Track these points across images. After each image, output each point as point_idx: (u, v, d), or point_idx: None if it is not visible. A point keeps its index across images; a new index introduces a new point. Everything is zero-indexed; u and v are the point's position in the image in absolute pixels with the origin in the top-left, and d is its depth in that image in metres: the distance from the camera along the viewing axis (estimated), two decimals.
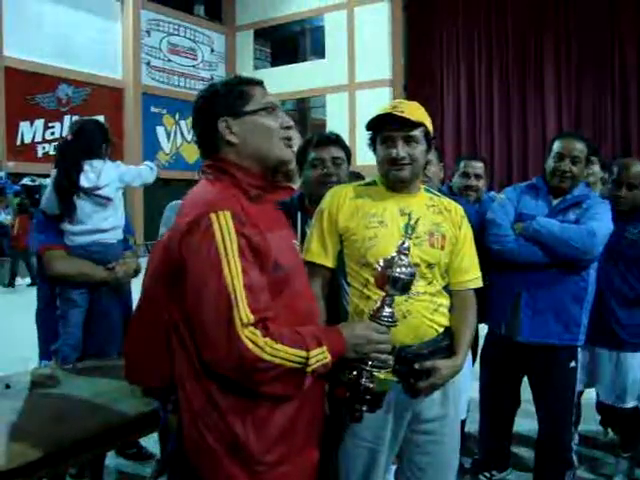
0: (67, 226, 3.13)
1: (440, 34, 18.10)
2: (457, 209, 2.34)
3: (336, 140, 2.96)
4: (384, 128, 2.19)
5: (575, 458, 3.52)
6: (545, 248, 2.99)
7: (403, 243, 1.90)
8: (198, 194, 1.75)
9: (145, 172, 3.44)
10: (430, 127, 2.23)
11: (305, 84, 19.23)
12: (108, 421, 2.31)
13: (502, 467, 3.55)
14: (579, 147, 3.10)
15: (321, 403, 1.88)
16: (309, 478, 1.82)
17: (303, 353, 1.61)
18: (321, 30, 19.98)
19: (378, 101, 17.79)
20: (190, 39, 20.84)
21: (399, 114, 2.13)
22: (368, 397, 1.87)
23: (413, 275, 1.88)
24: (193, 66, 20.91)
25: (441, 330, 2.19)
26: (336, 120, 18.91)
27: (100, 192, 3.12)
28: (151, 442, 3.70)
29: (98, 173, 3.12)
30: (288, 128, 1.85)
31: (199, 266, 1.58)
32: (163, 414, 2.25)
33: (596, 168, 4.02)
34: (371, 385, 1.85)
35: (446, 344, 2.21)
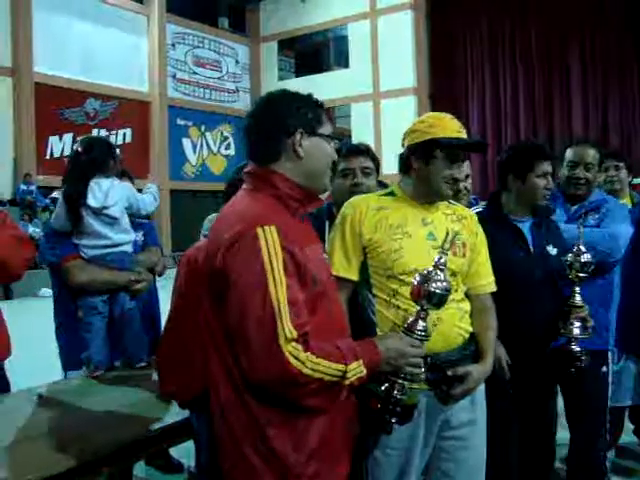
0: (79, 240, 3.17)
1: (464, 41, 18.07)
2: (472, 216, 2.38)
3: (365, 150, 2.99)
4: (449, 147, 2.19)
5: (608, 467, 3.47)
6: None
7: (440, 258, 1.90)
8: (241, 206, 1.75)
9: (148, 200, 3.45)
10: None
11: (329, 94, 19.25)
12: (139, 431, 2.33)
13: None
14: (591, 154, 3.11)
15: (353, 416, 1.88)
16: None
17: (342, 367, 1.63)
18: (345, 40, 20.05)
19: (403, 110, 17.81)
20: (215, 51, 21.04)
21: (466, 139, 2.23)
22: (399, 409, 1.87)
23: (449, 290, 1.89)
24: (218, 78, 21.08)
25: (467, 336, 2.22)
26: (361, 129, 18.94)
27: (108, 212, 3.16)
28: (179, 452, 3.72)
29: (106, 192, 3.15)
30: (334, 164, 1.89)
31: (245, 280, 1.59)
32: (197, 425, 2.27)
33: (622, 174, 3.98)
34: (403, 397, 1.86)
35: (473, 349, 2.24)
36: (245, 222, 1.63)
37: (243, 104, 21.22)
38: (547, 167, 2.74)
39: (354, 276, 2.20)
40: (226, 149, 21.06)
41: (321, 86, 19.33)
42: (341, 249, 2.22)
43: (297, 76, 21.23)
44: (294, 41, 21.35)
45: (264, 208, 1.69)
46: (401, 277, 2.12)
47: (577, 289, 2.64)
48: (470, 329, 2.23)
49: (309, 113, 1.79)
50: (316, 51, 21.12)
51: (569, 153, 3.17)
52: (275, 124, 1.77)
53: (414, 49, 18.41)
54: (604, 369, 3.08)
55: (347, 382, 1.65)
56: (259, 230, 1.60)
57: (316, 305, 1.70)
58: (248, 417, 1.66)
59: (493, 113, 17.70)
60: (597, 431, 3.15)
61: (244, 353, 1.60)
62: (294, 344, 1.57)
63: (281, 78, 21.39)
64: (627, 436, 4.22)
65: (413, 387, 1.91)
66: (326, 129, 1.83)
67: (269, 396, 1.63)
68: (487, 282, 2.35)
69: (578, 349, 2.62)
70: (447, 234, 2.00)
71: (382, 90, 18.92)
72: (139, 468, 3.64)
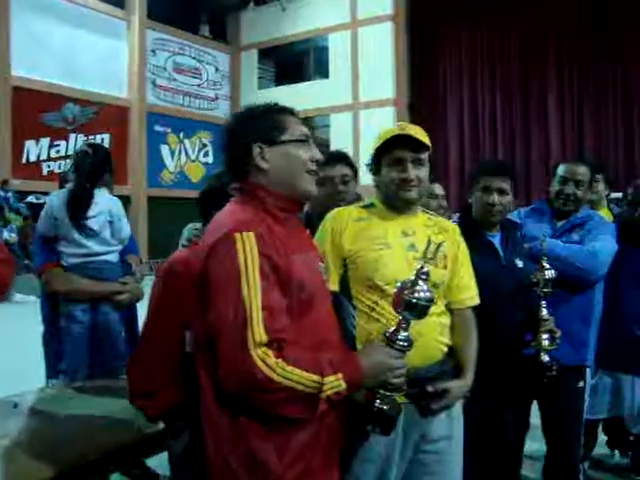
0: (61, 247, 3.14)
1: (443, 53, 18.20)
2: (454, 228, 2.39)
3: (344, 158, 2.98)
4: (393, 149, 2.21)
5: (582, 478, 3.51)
6: None
7: (422, 268, 1.90)
8: (225, 216, 1.77)
9: (127, 229, 3.44)
10: (430, 152, 2.27)
11: (309, 103, 19.27)
12: (116, 441, 2.32)
13: None
14: (582, 171, 3.13)
15: (341, 427, 1.87)
16: None
17: (317, 378, 1.61)
18: (325, 50, 20.10)
19: (382, 120, 17.87)
20: (195, 58, 20.99)
21: (412, 135, 2.17)
22: (381, 420, 1.87)
23: (431, 300, 1.88)
24: (198, 85, 21.03)
25: (446, 350, 2.22)
26: (340, 139, 18.96)
27: (86, 222, 3.13)
28: (155, 462, 3.69)
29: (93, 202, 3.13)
30: (317, 162, 1.86)
31: (219, 282, 1.60)
32: (173, 437, 2.26)
33: (600, 186, 4.03)
34: (385, 407, 1.85)
35: (452, 364, 2.24)
36: (225, 229, 1.65)
37: (222, 112, 21.18)
38: (492, 182, 2.76)
39: (334, 286, 2.19)
40: (204, 156, 20.97)
41: (301, 96, 19.35)
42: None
43: (277, 85, 21.25)
44: (275, 50, 21.37)
45: (247, 216, 1.70)
46: (382, 288, 2.12)
47: (543, 303, 2.70)
48: (449, 343, 2.23)
49: (266, 124, 1.79)
50: (296, 60, 21.15)
51: (560, 169, 3.19)
52: (235, 143, 1.81)
53: (394, 60, 18.50)
54: (581, 384, 3.12)
55: (324, 395, 1.62)
56: (237, 235, 1.61)
57: (301, 314, 1.69)
58: (234, 430, 1.65)
59: (471, 125, 17.83)
60: (573, 444, 3.19)
61: (217, 358, 1.59)
62: (264, 349, 1.56)
63: (261, 87, 21.39)
64: (601, 448, 4.28)
65: (395, 402, 1.92)
66: (292, 134, 1.81)
67: (250, 407, 1.62)
68: (469, 296, 2.34)
69: (547, 359, 2.68)
70: (429, 243, 2.01)
71: (361, 100, 18.99)
72: (115, 479, 3.60)
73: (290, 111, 1.88)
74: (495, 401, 2.75)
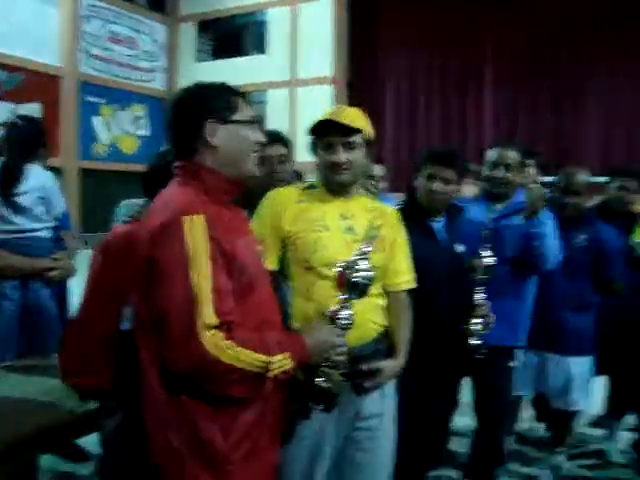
0: None
1: (383, 33, 18.21)
2: (393, 213, 2.44)
3: (280, 138, 3.01)
4: (325, 134, 2.25)
5: (507, 452, 3.69)
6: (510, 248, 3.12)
7: (364, 248, 1.95)
8: (169, 197, 1.76)
9: (62, 203, 3.36)
10: (370, 133, 2.30)
11: (246, 78, 19.02)
12: (43, 422, 2.26)
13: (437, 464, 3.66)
14: (511, 155, 3.22)
15: (283, 405, 1.91)
16: (270, 477, 1.88)
17: (265, 358, 1.65)
18: (264, 25, 19.86)
19: (320, 98, 17.86)
20: (131, 28, 20.41)
21: (340, 120, 2.19)
22: (324, 397, 1.92)
23: (372, 280, 1.95)
24: (133, 56, 20.50)
25: (380, 330, 2.28)
26: (277, 115, 18.85)
27: (16, 199, 3.06)
28: (86, 440, 3.66)
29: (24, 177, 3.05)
30: (261, 145, 1.90)
31: (167, 267, 1.60)
32: (102, 416, 2.25)
33: (532, 171, 4.16)
34: (327, 385, 1.91)
35: (386, 344, 2.31)
36: (172, 211, 1.65)
37: (159, 84, 20.74)
38: (437, 171, 2.83)
39: (272, 266, 2.23)
40: (139, 129, 20.51)
41: (238, 70, 19.12)
42: (260, 240, 2.22)
43: (215, 59, 20.88)
44: (214, 23, 20.95)
45: (192, 199, 1.70)
46: (318, 269, 2.16)
47: (479, 289, 2.80)
48: (384, 323, 2.30)
49: (219, 102, 1.80)
50: (236, 34, 20.79)
51: (490, 154, 3.28)
52: (186, 118, 1.79)
53: (333, 38, 18.42)
54: (511, 364, 3.26)
55: (271, 374, 1.66)
56: (185, 219, 1.61)
57: (246, 296, 1.72)
58: (178, 410, 1.67)
59: (409, 105, 17.95)
60: (501, 421, 3.35)
61: (165, 340, 1.60)
62: (214, 331, 1.58)
63: (199, 60, 20.99)
64: (526, 422, 4.48)
65: (338, 379, 1.97)
66: (243, 114, 1.84)
67: (196, 388, 1.64)
68: (405, 279, 2.41)
69: (478, 343, 2.79)
70: (371, 224, 2.07)
71: (299, 77, 18.89)
72: (44, 458, 3.56)
73: (240, 93, 1.90)
74: (428, 378, 2.84)
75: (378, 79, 18.35)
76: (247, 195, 2.70)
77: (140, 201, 2.70)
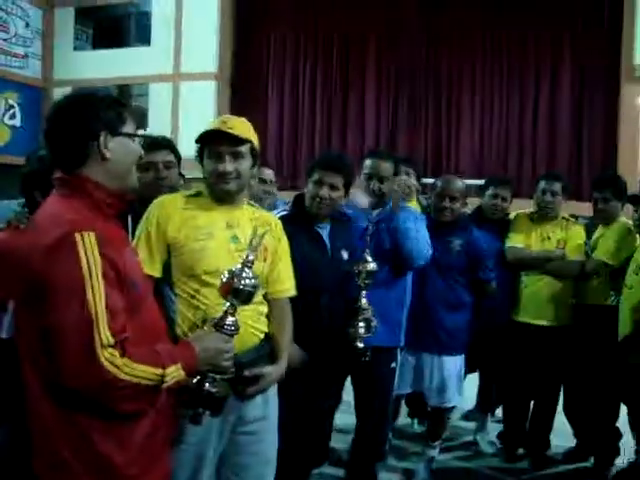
0: None
1: (268, 32, 18.15)
2: (277, 223, 2.51)
3: (167, 144, 3.02)
4: (212, 143, 2.28)
5: (386, 449, 3.84)
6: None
7: (248, 256, 2.00)
8: (56, 211, 1.71)
9: None
10: (256, 143, 2.36)
11: (128, 70, 18.54)
12: None
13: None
14: (386, 167, 3.35)
15: (172, 416, 1.92)
16: None
17: (159, 371, 1.67)
18: (147, 16, 19.36)
19: (203, 94, 17.66)
20: (2, 10, 19.32)
21: (228, 131, 2.23)
22: (211, 402, 1.95)
23: (256, 287, 2.00)
24: (4, 40, 19.38)
25: (262, 336, 2.34)
26: (159, 110, 18.45)
27: None
28: None
29: None
30: (140, 158, 1.89)
31: (62, 287, 1.58)
32: None
33: (413, 180, 4.36)
34: (214, 390, 1.94)
35: (268, 350, 2.37)
36: (63, 227, 1.61)
37: (33, 71, 19.73)
38: (324, 176, 2.91)
39: (157, 273, 2.24)
40: (11, 119, 19.40)
41: (119, 61, 18.56)
42: (145, 246, 2.24)
43: (94, 48, 20.12)
44: (93, 11, 20.15)
45: (80, 214, 1.68)
46: (202, 277, 2.20)
47: (363, 293, 2.93)
48: (266, 330, 2.36)
49: (111, 113, 1.77)
50: (116, 24, 20.11)
51: (365, 164, 3.40)
52: (78, 129, 1.73)
53: (218, 34, 18.25)
54: (393, 364, 3.41)
55: (165, 385, 1.69)
56: (78, 236, 1.59)
57: (135, 310, 1.72)
58: (68, 424, 1.64)
59: (292, 105, 17.98)
60: (382, 418, 3.48)
61: (60, 359, 1.58)
62: (111, 350, 1.58)
63: (77, 48, 20.09)
64: (403, 418, 4.69)
65: (224, 384, 2.01)
66: (129, 127, 1.82)
67: (88, 402, 1.62)
68: (286, 287, 2.49)
69: (362, 346, 2.92)
70: (255, 232, 2.12)
71: (183, 72, 18.56)
72: None
73: (126, 103, 1.88)
74: (312, 380, 2.91)
75: (261, 80, 18.33)
76: (132, 201, 2.70)
77: (15, 203, 2.63)
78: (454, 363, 3.79)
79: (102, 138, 1.74)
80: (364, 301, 2.92)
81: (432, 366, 3.75)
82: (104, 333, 1.57)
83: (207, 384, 1.94)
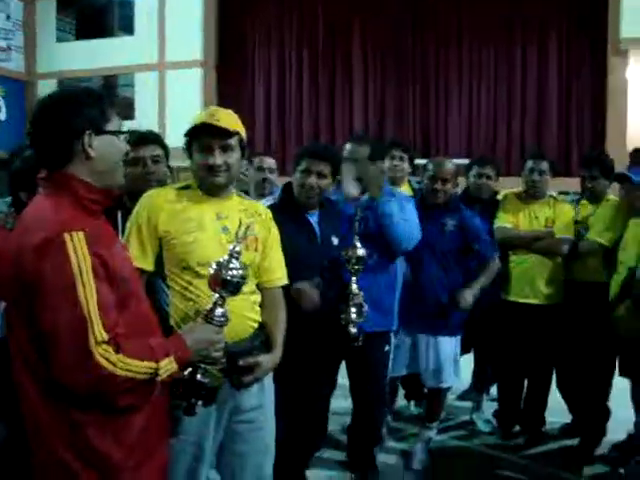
0: None
1: (253, 18, 18.08)
2: (267, 212, 2.52)
3: (155, 139, 3.03)
4: (200, 136, 2.29)
5: (385, 432, 3.87)
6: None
7: (234, 247, 2.02)
8: (43, 211, 1.71)
9: None
10: (244, 134, 2.37)
11: (112, 61, 18.41)
12: None
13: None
14: (359, 151, 3.32)
15: (167, 409, 1.94)
16: (162, 477, 1.90)
17: (153, 365, 1.69)
18: (130, 5, 19.19)
19: (189, 82, 17.57)
20: None
21: (217, 124, 2.24)
22: (203, 392, 1.97)
23: (244, 277, 2.02)
24: None
25: (256, 326, 2.36)
26: (145, 99, 18.35)
27: None
28: None
29: None
30: (127, 155, 1.90)
31: (54, 286, 1.59)
32: None
33: (405, 165, 4.38)
34: (206, 381, 1.96)
35: (262, 339, 2.39)
36: (51, 228, 1.62)
37: (15, 64, 19.55)
38: (312, 165, 2.93)
39: (149, 267, 2.26)
40: None
41: (104, 52, 18.44)
42: (137, 240, 2.25)
43: (78, 39, 19.94)
44: (75, 1, 19.98)
45: (68, 213, 1.68)
46: (195, 269, 2.21)
47: (353, 279, 2.94)
48: (259, 319, 2.38)
49: (95, 111, 1.77)
50: (99, 14, 19.94)
51: (346, 148, 3.40)
52: (62, 128, 1.73)
53: (202, 21, 18.13)
54: (387, 348, 3.43)
55: (160, 379, 1.71)
56: (66, 236, 1.60)
57: (126, 305, 1.73)
58: (63, 421, 1.65)
59: (278, 92, 17.92)
60: (378, 402, 3.51)
61: (55, 358, 1.59)
62: (105, 346, 1.60)
63: (60, 40, 19.90)
64: (401, 401, 4.72)
65: (215, 374, 2.04)
66: (113, 124, 1.82)
67: (83, 399, 1.64)
68: (278, 276, 2.50)
69: (355, 331, 2.93)
70: (240, 224, 2.13)
71: (168, 60, 18.43)
72: None
73: (110, 100, 1.87)
74: (306, 366, 2.94)
75: (247, 66, 18.24)
76: (120, 197, 2.71)
77: (1, 202, 2.64)
78: (450, 344, 3.82)
79: (86, 137, 1.74)
80: (354, 287, 2.93)
81: (428, 347, 3.78)
82: (98, 330, 1.59)
83: (199, 375, 1.96)
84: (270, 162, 4.18)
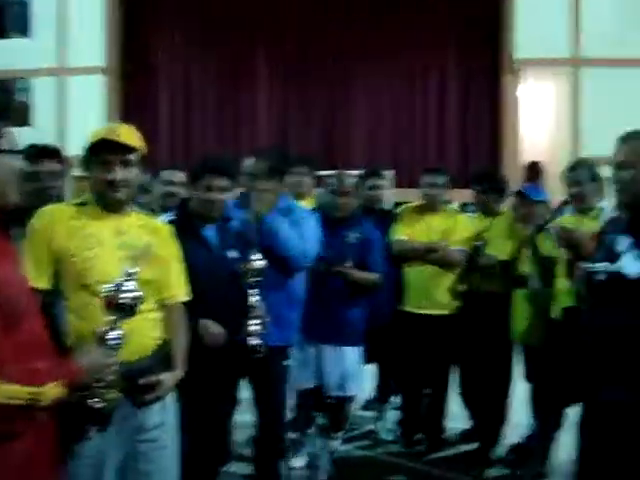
0: None
1: (157, 24, 17.75)
2: (165, 228, 2.50)
3: (54, 154, 2.96)
4: (100, 151, 2.25)
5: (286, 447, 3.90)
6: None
7: (130, 269, 2.00)
8: None
9: None
10: (144, 149, 2.35)
11: (6, 64, 17.64)
12: None
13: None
14: (257, 166, 3.46)
15: (56, 432, 1.88)
16: None
17: (33, 390, 1.62)
18: (27, 5, 18.40)
19: (91, 89, 17.09)
20: None
21: (117, 139, 2.22)
22: (96, 416, 1.94)
23: (138, 299, 1.99)
24: None
25: (157, 343, 2.33)
26: (43, 105, 17.70)
27: None
28: None
29: None
30: (22, 171, 1.87)
31: None
32: None
33: (307, 179, 4.44)
34: (99, 405, 1.93)
35: (164, 355, 2.35)
36: None
37: None
38: (214, 181, 2.95)
39: (45, 285, 2.20)
40: None
41: None
42: (32, 258, 2.18)
43: None
44: None
45: None
46: (93, 287, 2.15)
47: (252, 291, 2.96)
48: (162, 336, 2.35)
49: None
50: None
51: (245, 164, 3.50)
52: None
53: (105, 26, 17.64)
54: (286, 362, 3.48)
55: (43, 404, 1.65)
56: None
57: (12, 327, 1.67)
58: None
59: (184, 98, 17.71)
60: (279, 415, 3.55)
61: None
62: None
63: None
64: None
65: (108, 398, 1.98)
66: (7, 142, 1.77)
67: None
68: (178, 292, 2.47)
69: (256, 342, 2.96)
70: (143, 241, 2.12)
71: (69, 66, 17.81)
72: None
73: (5, 120, 1.83)
74: (208, 383, 2.92)
75: (152, 71, 17.92)
76: (17, 212, 2.61)
77: None
78: (353, 354, 3.89)
79: None
80: (253, 299, 2.96)
81: (333, 357, 3.84)
82: None
83: (91, 399, 1.91)
84: (180, 176, 4.11)
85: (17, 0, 18.58)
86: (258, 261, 2.94)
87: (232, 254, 3.04)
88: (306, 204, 4.15)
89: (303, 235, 3.37)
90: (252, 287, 2.96)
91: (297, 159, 4.66)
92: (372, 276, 3.85)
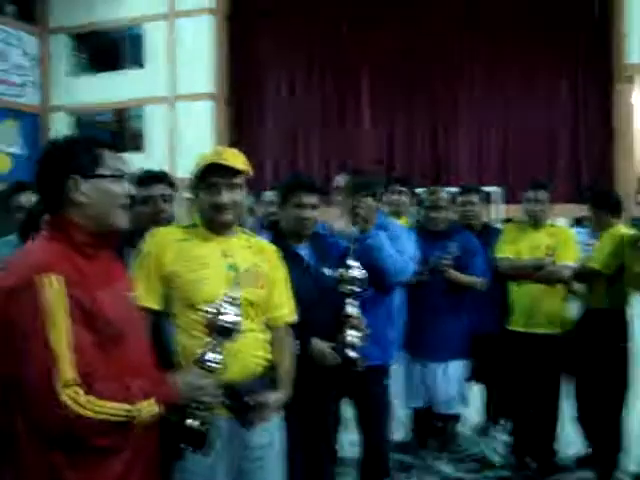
0: None
1: (265, 49, 18.22)
2: (272, 249, 2.53)
3: (164, 177, 3.07)
4: (208, 175, 2.32)
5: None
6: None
7: (231, 292, 2.03)
8: (26, 254, 1.77)
9: None
10: (250, 172, 2.39)
11: (123, 94, 18.61)
12: None
13: None
14: (356, 182, 3.44)
15: (155, 452, 1.93)
16: None
17: (128, 407, 1.68)
18: (141, 39, 19.41)
19: (199, 115, 17.74)
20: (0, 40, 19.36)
21: (224, 163, 2.28)
22: (193, 437, 1.98)
23: (237, 324, 2.02)
24: (2, 70, 19.46)
25: (265, 364, 2.35)
26: (156, 132, 18.55)
27: None
28: None
29: None
30: (129, 197, 1.91)
31: (23, 329, 1.61)
32: None
33: (403, 198, 4.45)
34: (195, 425, 1.97)
35: (271, 377, 2.38)
36: (22, 271, 1.66)
37: (30, 99, 19.84)
38: (305, 198, 2.91)
39: (155, 305, 2.27)
40: (10, 147, 19.48)
41: (115, 85, 18.66)
42: (142, 278, 2.26)
43: (90, 73, 20.19)
44: (88, 36, 20.20)
45: (50, 254, 1.71)
46: (201, 308, 2.17)
47: (348, 300, 2.91)
48: (268, 357, 2.37)
49: (83, 157, 1.81)
50: (111, 48, 20.19)
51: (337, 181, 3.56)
52: (50, 174, 1.80)
53: (214, 53, 18.31)
54: (387, 381, 3.47)
55: (137, 421, 1.70)
56: (37, 278, 1.62)
57: (111, 346, 1.74)
58: (44, 462, 1.66)
59: (290, 123, 18.03)
60: (382, 435, 3.52)
61: (25, 399, 1.61)
62: (75, 388, 1.61)
63: (73, 74, 20.19)
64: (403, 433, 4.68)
65: (205, 418, 2.01)
66: (106, 168, 1.84)
67: (61, 439, 1.65)
68: (284, 313, 2.49)
69: (353, 354, 2.89)
70: (236, 269, 2.20)
71: (179, 94, 18.60)
72: None
73: (108, 144, 1.90)
74: (312, 403, 2.92)
75: (259, 96, 18.39)
76: (130, 235, 2.75)
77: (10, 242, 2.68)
78: (459, 368, 3.91)
79: (70, 183, 1.78)
80: (350, 309, 2.91)
81: (440, 374, 3.84)
82: (65, 371, 1.60)
83: (189, 419, 1.96)
84: (270, 195, 4.22)
85: (132, 35, 19.58)
86: (356, 270, 2.91)
87: (328, 271, 3.03)
88: (402, 222, 4.16)
89: (400, 251, 3.36)
90: (348, 295, 2.92)
91: (395, 178, 4.71)
92: (475, 279, 3.86)
